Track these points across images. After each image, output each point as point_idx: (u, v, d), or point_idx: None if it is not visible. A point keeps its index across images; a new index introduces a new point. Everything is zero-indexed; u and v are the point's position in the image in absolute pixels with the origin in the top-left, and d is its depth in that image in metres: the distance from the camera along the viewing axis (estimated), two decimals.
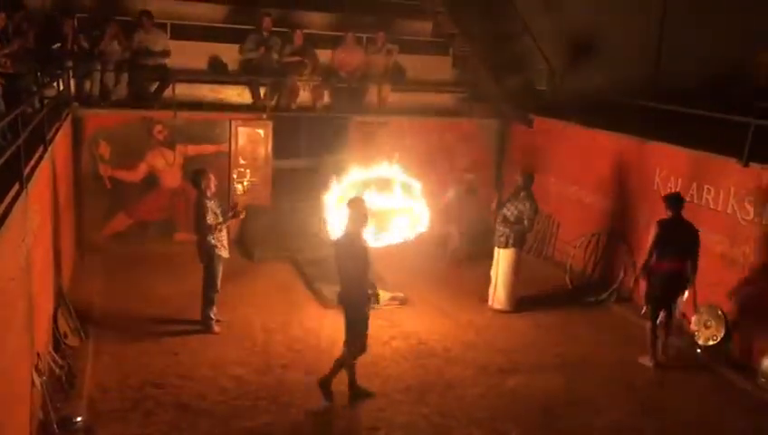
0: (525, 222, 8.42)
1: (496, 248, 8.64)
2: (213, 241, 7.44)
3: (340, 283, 6.32)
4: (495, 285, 8.66)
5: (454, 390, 6.75)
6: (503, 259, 8.55)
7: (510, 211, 8.48)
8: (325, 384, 6.39)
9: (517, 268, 8.61)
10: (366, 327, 6.38)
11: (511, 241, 8.50)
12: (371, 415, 6.24)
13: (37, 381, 5.59)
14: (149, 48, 10.12)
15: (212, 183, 7.51)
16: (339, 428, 6.03)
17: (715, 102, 8.32)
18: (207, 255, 7.49)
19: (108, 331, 7.48)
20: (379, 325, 8.07)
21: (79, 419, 5.75)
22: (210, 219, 7.38)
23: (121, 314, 7.92)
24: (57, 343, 6.81)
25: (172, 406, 6.16)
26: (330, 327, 7.95)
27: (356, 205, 6.25)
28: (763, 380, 7.14)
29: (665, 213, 8.70)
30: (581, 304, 9.00)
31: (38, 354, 5.80)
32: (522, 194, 8.47)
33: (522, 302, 8.77)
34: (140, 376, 6.60)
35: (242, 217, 8.12)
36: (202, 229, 7.41)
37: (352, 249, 6.18)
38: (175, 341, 7.38)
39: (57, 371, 6.28)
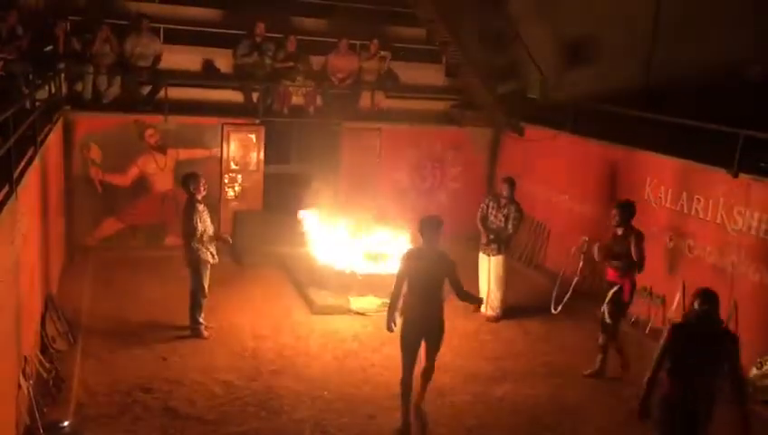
0: (510, 226, 8.46)
1: (484, 256, 8.67)
2: (197, 246, 7.39)
3: (416, 295, 6.00)
4: (488, 292, 8.68)
5: (443, 397, 6.75)
6: (495, 266, 8.58)
7: (498, 218, 8.53)
8: (419, 413, 6.26)
9: (507, 274, 8.68)
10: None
11: (503, 248, 8.56)
12: (361, 421, 6.23)
13: (24, 385, 5.55)
14: (142, 52, 10.11)
15: (202, 187, 7.49)
16: (329, 434, 6.00)
17: (707, 105, 8.40)
18: (193, 260, 7.45)
19: (96, 335, 7.44)
20: (368, 332, 8.07)
21: (66, 423, 5.71)
22: (199, 225, 7.34)
23: (110, 319, 7.88)
24: (45, 346, 6.77)
25: (160, 411, 6.13)
26: (319, 333, 7.95)
27: (429, 223, 6.03)
28: (750, 389, 7.16)
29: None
30: (567, 313, 8.96)
31: (25, 358, 5.77)
32: (503, 200, 8.53)
33: (510, 309, 8.79)
34: (129, 381, 6.57)
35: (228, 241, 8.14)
36: (189, 234, 7.38)
37: (438, 262, 5.97)
38: (164, 346, 7.35)
39: (44, 375, 6.24)
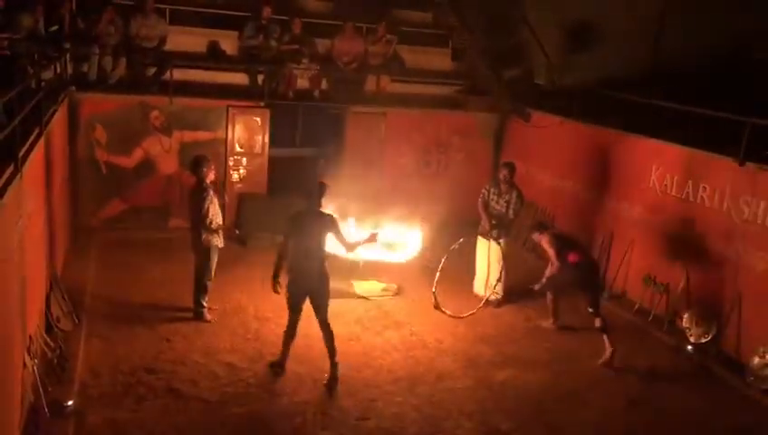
0: (510, 212, 8.45)
1: (484, 241, 8.67)
2: (208, 232, 7.39)
3: (299, 254, 6.40)
4: (488, 277, 8.69)
5: (444, 381, 6.78)
6: (494, 251, 8.59)
7: (499, 204, 8.52)
8: (332, 379, 6.56)
9: (508, 259, 8.67)
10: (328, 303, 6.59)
11: (504, 234, 8.55)
12: (362, 405, 6.27)
13: (29, 363, 5.59)
14: (147, 33, 10.08)
15: (211, 171, 7.48)
16: (330, 417, 6.04)
17: (715, 89, 8.35)
18: (203, 246, 7.44)
19: (100, 315, 7.48)
20: (371, 316, 8.11)
21: (70, 402, 5.76)
22: (211, 209, 7.34)
23: (114, 299, 7.92)
24: (49, 326, 6.80)
25: (164, 391, 6.18)
26: None
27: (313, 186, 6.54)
28: (752, 377, 7.18)
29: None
30: (568, 299, 8.95)
31: (30, 337, 5.81)
32: (504, 186, 8.51)
33: (512, 294, 8.80)
34: (132, 361, 6.61)
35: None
36: (200, 220, 7.36)
37: (319, 221, 6.41)
38: (168, 327, 7.38)
39: (49, 354, 6.27)
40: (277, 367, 6.68)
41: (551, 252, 7.67)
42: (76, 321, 7.24)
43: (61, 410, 5.65)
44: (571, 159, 10.35)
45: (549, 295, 8.09)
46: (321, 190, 6.47)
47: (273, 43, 10.75)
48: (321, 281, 6.47)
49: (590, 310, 7.46)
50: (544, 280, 7.85)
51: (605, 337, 7.40)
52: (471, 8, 11.43)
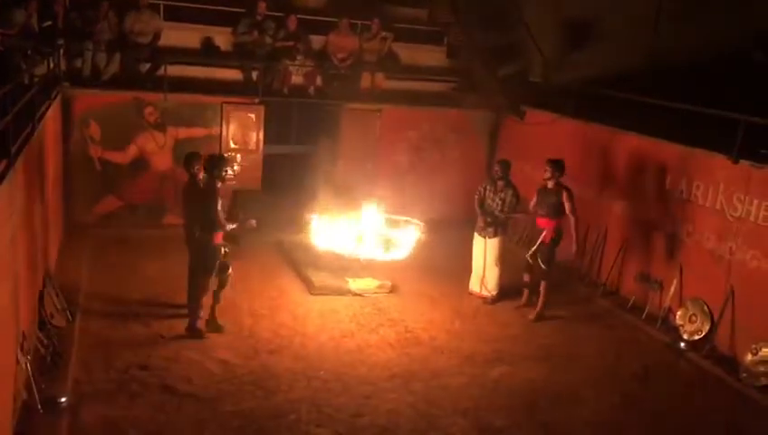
0: (505, 209, 8.45)
1: (480, 238, 8.67)
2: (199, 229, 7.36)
3: (187, 224, 7.09)
4: (483, 274, 8.69)
5: (439, 379, 6.78)
6: (490, 248, 8.59)
7: (494, 201, 8.51)
8: (192, 328, 7.13)
9: (503, 256, 8.67)
10: (213, 266, 7.02)
11: (499, 231, 8.55)
12: (357, 402, 6.26)
13: (22, 360, 5.57)
14: (142, 29, 10.04)
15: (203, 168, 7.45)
16: (324, 414, 6.03)
17: (712, 88, 8.39)
18: (198, 242, 7.39)
19: (94, 312, 7.46)
20: (366, 313, 8.11)
21: (63, 399, 5.73)
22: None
23: (108, 296, 7.89)
24: (43, 323, 6.77)
25: (157, 388, 6.16)
26: (317, 314, 7.98)
27: (210, 159, 6.99)
28: (745, 374, 7.21)
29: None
30: (564, 298, 8.98)
31: (23, 334, 5.78)
32: (500, 183, 8.50)
33: (507, 292, 8.81)
34: (126, 358, 6.59)
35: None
36: (192, 216, 7.32)
37: (201, 192, 6.92)
38: (161, 324, 7.36)
39: (42, 351, 6.26)
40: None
41: (568, 206, 8.07)
42: (69, 318, 7.21)
43: (54, 407, 5.63)
44: (566, 156, 10.29)
45: (525, 277, 8.50)
46: (217, 163, 6.90)
47: (269, 40, 10.72)
48: (193, 246, 6.99)
49: (544, 267, 8.19)
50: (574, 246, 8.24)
51: (542, 296, 8.25)
52: (467, 5, 11.42)
